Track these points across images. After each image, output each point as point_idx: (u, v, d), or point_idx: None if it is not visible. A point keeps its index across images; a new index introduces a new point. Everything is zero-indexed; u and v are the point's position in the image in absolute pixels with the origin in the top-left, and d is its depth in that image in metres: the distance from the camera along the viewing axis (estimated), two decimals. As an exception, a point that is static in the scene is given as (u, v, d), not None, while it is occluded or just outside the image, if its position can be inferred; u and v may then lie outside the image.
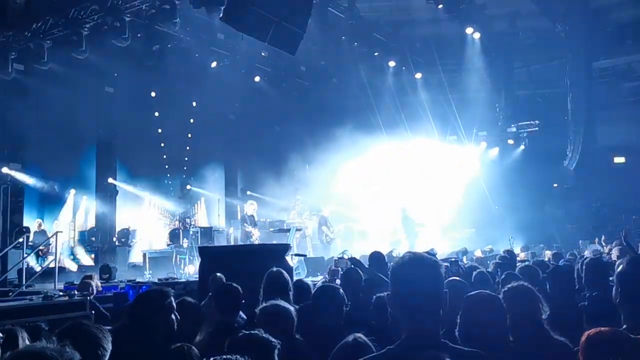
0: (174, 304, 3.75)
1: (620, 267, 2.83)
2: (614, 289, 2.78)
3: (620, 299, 2.73)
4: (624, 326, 2.60)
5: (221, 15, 9.51)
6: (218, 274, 6.46)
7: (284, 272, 4.85)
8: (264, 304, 3.79)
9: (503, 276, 5.66)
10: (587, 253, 11.33)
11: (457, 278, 4.93)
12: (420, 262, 2.28)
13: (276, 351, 2.71)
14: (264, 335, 2.77)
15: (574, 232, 20.80)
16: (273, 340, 2.75)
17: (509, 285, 3.46)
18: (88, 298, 8.45)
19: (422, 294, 2.22)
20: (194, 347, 3.95)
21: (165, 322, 3.63)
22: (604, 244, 14.30)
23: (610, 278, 2.96)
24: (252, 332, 2.82)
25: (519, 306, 3.24)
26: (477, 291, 3.10)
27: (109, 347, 2.79)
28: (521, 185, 20.04)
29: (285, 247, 9.35)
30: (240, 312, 5.13)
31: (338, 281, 6.76)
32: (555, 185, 22.76)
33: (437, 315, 2.26)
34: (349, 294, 5.58)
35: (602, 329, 2.34)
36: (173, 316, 3.71)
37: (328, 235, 16.18)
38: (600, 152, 21.19)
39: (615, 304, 2.74)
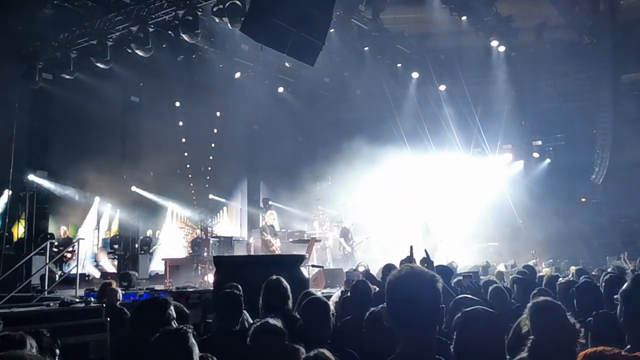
0: (174, 314, 3.74)
1: (625, 285, 2.72)
2: (618, 307, 2.68)
3: (624, 319, 2.63)
4: (628, 347, 2.49)
5: (240, 26, 9.57)
6: (228, 285, 6.40)
7: (283, 280, 4.75)
8: (257, 322, 3.72)
9: (535, 291, 5.47)
10: (610, 270, 11.03)
11: (468, 295, 4.82)
12: (417, 276, 2.22)
13: None
14: None
15: (601, 248, 20.35)
16: None
17: (538, 299, 3.39)
18: (106, 305, 8.50)
19: (417, 309, 2.16)
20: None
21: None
22: (627, 260, 13.93)
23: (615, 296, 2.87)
24: None
25: (548, 321, 3.19)
26: (474, 307, 3.02)
27: None
28: (547, 199, 19.71)
29: (301, 258, 9.30)
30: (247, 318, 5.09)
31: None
32: (583, 199, 22.34)
33: (433, 330, 2.20)
34: (357, 307, 5.53)
35: (601, 348, 2.24)
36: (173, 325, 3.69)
37: (346, 248, 16.04)
38: (628, 166, 20.74)
39: (620, 323, 2.64)
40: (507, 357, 2.86)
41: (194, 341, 2.73)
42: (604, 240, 21.23)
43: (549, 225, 19.02)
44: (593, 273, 10.95)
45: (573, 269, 12.93)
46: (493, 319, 2.89)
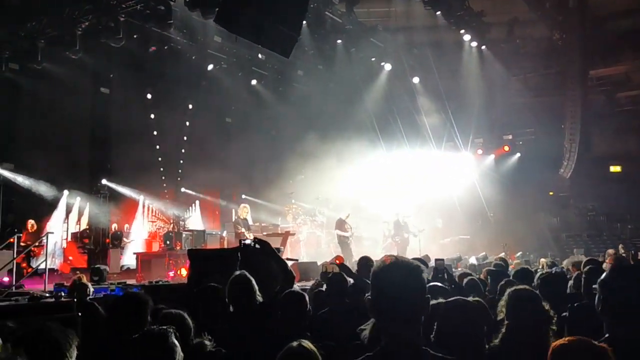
0: (148, 310, 3.67)
1: (603, 275, 2.77)
2: (596, 297, 2.73)
3: (602, 309, 2.67)
4: (606, 335, 2.54)
5: (215, 17, 9.44)
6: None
7: (247, 274, 4.70)
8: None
9: (503, 282, 5.53)
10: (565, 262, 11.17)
11: (438, 283, 4.87)
12: (402, 267, 2.17)
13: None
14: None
15: (568, 241, 20.79)
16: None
17: (516, 287, 3.40)
18: (76, 299, 8.34)
19: (403, 300, 2.11)
20: None
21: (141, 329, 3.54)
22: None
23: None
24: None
25: (523, 310, 3.21)
26: (454, 298, 3.04)
27: (73, 353, 2.64)
28: (517, 193, 20.02)
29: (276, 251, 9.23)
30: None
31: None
32: (551, 193, 22.76)
33: (419, 321, 2.16)
34: (334, 299, 5.53)
35: (568, 339, 2.28)
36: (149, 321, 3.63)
37: (343, 236, 15.99)
38: (596, 160, 21.21)
39: (598, 313, 2.69)
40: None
41: (175, 341, 2.66)
42: (571, 233, 21.72)
43: (519, 219, 19.32)
44: (562, 265, 11.16)
45: (543, 261, 13.19)
46: (472, 309, 2.91)
